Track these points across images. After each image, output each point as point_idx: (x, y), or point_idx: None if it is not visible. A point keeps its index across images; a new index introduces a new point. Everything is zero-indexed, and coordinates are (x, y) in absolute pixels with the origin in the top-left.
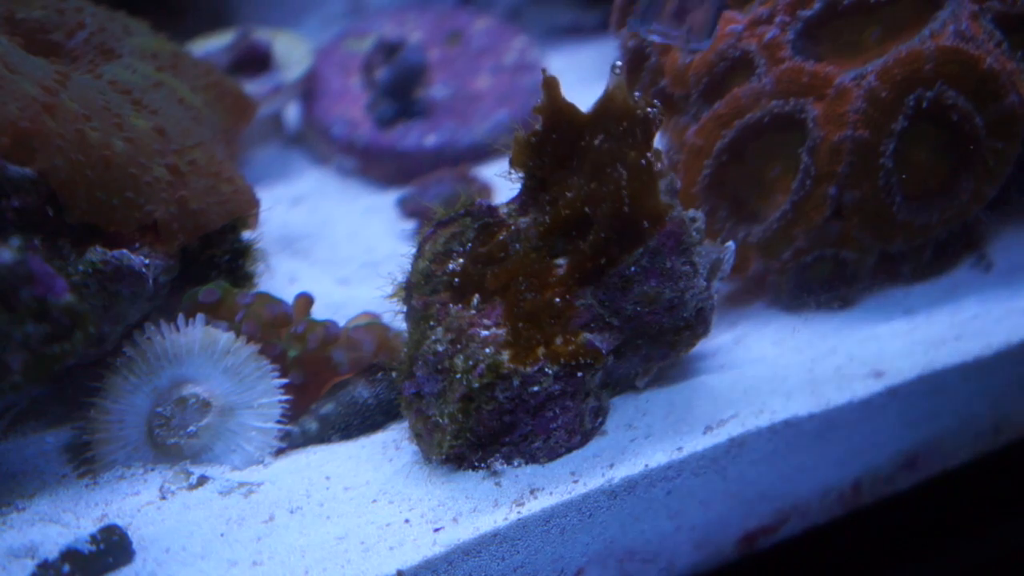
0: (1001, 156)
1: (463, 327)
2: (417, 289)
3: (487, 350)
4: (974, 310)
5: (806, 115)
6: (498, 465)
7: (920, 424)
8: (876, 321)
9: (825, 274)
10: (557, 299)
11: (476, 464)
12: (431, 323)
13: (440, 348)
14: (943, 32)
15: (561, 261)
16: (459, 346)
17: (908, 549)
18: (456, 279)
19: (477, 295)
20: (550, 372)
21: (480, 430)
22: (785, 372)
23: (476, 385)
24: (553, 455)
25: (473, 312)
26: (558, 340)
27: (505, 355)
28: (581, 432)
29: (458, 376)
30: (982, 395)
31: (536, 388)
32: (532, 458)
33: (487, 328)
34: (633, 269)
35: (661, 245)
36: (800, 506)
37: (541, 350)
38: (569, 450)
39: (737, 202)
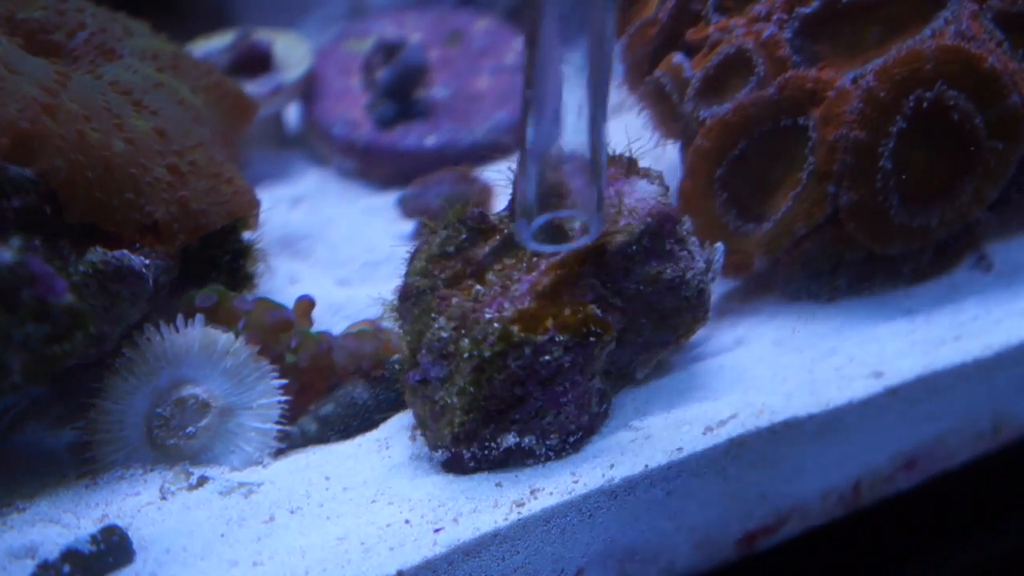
0: (1003, 157)
1: (466, 313)
2: (415, 288)
3: (496, 325)
4: (974, 311)
5: (809, 121)
6: (510, 439)
7: (920, 424)
8: (876, 321)
9: (825, 270)
10: (561, 274)
11: (486, 442)
12: (432, 315)
13: (445, 335)
14: (944, 31)
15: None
16: (464, 330)
17: (908, 549)
18: (456, 275)
19: (478, 287)
20: (560, 340)
21: (492, 401)
22: (785, 372)
23: (488, 354)
24: (564, 432)
25: (474, 302)
26: (566, 311)
27: (515, 327)
28: (588, 413)
29: (466, 355)
30: (982, 395)
31: (547, 357)
32: (543, 435)
33: (491, 312)
34: (635, 248)
35: (660, 227)
36: (800, 507)
37: (550, 321)
38: (579, 429)
39: (740, 203)
